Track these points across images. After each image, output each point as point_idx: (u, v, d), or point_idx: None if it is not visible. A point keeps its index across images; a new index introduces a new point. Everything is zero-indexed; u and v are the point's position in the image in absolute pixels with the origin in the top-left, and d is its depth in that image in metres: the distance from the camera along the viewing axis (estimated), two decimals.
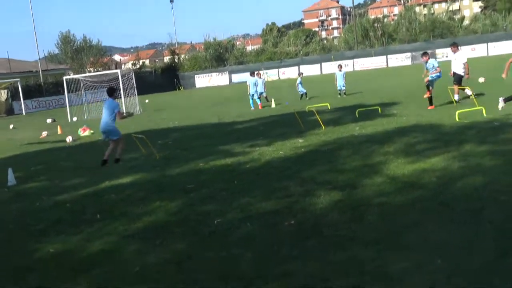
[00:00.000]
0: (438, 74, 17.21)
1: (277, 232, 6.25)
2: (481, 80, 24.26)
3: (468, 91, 17.26)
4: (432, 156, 9.37)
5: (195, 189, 8.98)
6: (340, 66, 28.15)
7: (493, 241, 5.20)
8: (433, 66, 17.17)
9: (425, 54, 17.98)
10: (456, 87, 17.59)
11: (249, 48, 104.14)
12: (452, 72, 18.18)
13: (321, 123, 14.85)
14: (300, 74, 30.43)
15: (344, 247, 5.49)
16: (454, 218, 5.99)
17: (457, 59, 18.00)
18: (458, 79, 17.73)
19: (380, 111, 16.96)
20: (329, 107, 20.27)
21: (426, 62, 17.51)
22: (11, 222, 8.26)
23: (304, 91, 27.79)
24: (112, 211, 8.13)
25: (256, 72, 28.04)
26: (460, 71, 17.79)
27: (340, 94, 26.40)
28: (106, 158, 12.96)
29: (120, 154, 13.22)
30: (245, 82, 30.39)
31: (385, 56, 69.06)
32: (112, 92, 13.63)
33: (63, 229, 7.47)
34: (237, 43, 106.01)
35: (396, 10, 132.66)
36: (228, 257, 5.61)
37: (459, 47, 18.22)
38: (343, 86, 26.46)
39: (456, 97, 17.49)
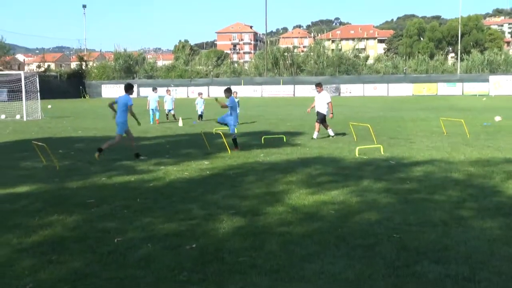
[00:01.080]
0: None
1: (178, 255, 6.24)
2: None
3: (331, 132, 18.44)
4: (332, 189, 9.74)
5: (95, 204, 8.77)
6: (200, 94, 30.06)
7: (383, 278, 5.48)
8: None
9: (318, 85, 18.70)
10: (317, 125, 18.29)
11: (160, 63, 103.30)
12: (309, 110, 19.65)
13: (227, 147, 15.00)
14: (199, 94, 30.79)
15: (243, 274, 5.58)
16: (349, 252, 6.25)
17: (321, 99, 18.35)
18: (321, 118, 18.25)
19: (285, 140, 17.41)
20: (235, 131, 20.46)
21: (319, 93, 18.39)
22: None
23: (201, 112, 28.40)
24: (5, 221, 7.76)
25: (166, 89, 28.12)
26: (323, 110, 18.23)
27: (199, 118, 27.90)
28: (135, 151, 14.21)
29: (105, 147, 14.25)
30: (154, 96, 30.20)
31: (293, 86, 70.98)
32: (128, 88, 14.39)
33: None
34: (148, 56, 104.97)
35: (306, 42, 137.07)
36: (126, 278, 5.52)
37: (323, 87, 18.85)
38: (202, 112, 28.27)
39: (315, 135, 18.23)
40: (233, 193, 9.54)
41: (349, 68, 79.60)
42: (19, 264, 5.99)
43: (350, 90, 69.22)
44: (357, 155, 13.96)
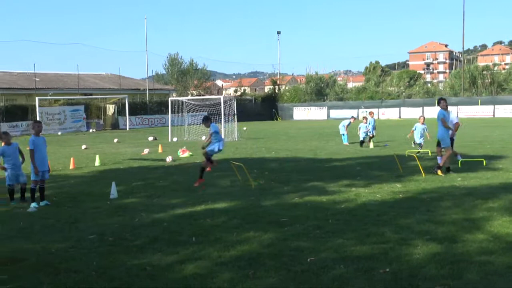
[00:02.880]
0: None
1: (371, 278, 6.13)
2: None
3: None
4: None
5: (288, 223, 9.01)
6: (371, 114, 25.79)
7: None
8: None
9: (443, 100, 15.24)
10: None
11: (350, 85, 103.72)
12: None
13: (421, 170, 14.47)
14: (370, 113, 26.12)
15: None
16: None
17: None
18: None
19: (484, 164, 16.29)
20: (429, 154, 19.72)
21: (448, 112, 15.35)
22: (111, 235, 8.63)
23: (363, 137, 24.47)
24: (207, 235, 8.31)
25: (368, 112, 27.79)
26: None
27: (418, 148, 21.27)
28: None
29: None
30: (344, 118, 30.46)
31: (492, 106, 66.55)
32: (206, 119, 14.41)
33: (160, 247, 7.72)
34: (339, 78, 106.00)
35: (508, 59, 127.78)
36: None
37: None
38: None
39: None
40: (428, 218, 9.15)
41: None
42: (219, 276, 6.35)
43: None
44: None
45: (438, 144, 15.12)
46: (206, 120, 14.36)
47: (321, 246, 7.48)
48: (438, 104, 15.31)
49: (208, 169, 14.55)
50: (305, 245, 7.60)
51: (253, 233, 8.34)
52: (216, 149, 14.22)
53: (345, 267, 6.52)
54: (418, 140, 21.12)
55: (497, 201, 10.46)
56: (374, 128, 25.30)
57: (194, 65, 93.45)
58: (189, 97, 58.11)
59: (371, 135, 24.89)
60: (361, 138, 24.51)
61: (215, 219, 9.56)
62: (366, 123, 24.65)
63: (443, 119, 14.79)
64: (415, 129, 21.14)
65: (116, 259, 7.23)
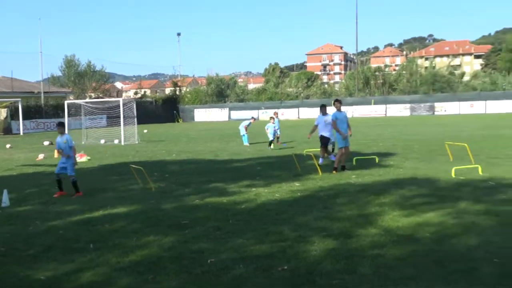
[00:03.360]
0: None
1: (270, 276, 6.25)
2: None
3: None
4: (427, 211, 9.43)
5: (189, 225, 8.99)
6: (275, 114, 26.30)
7: None
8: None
9: (337, 101, 15.92)
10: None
11: (251, 86, 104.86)
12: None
13: (318, 168, 14.92)
14: (274, 114, 26.59)
15: None
16: (446, 277, 6.01)
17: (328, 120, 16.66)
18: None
19: (377, 161, 17.08)
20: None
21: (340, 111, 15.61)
22: (2, 245, 8.22)
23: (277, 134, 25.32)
24: (105, 241, 8.12)
25: (274, 112, 28.02)
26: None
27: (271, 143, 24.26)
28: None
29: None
30: (244, 119, 30.79)
31: (384, 105, 69.79)
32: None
33: (55, 256, 7.45)
34: (239, 80, 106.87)
35: (398, 60, 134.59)
36: None
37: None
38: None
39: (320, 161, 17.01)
40: (324, 215, 9.46)
41: (443, 85, 77.11)
42: (117, 283, 6.23)
43: (445, 108, 66.96)
44: (453, 175, 13.44)
45: (323, 144, 16.35)
46: (60, 125, 13.34)
47: (221, 247, 7.53)
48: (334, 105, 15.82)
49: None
50: (206, 246, 7.62)
51: (153, 237, 8.25)
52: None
53: (245, 266, 6.61)
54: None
55: (388, 196, 11.01)
56: (278, 128, 25.85)
57: (92, 67, 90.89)
58: (87, 100, 56.38)
59: (277, 135, 25.41)
60: (271, 138, 24.66)
61: (114, 224, 9.36)
62: (273, 123, 25.02)
63: (334, 121, 15.30)
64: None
65: (7, 271, 6.90)
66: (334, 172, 14.83)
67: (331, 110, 16.08)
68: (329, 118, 16.60)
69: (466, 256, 6.73)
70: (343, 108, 16.06)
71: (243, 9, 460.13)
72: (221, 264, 6.76)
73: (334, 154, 17.36)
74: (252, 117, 29.79)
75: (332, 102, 16.09)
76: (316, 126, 17.39)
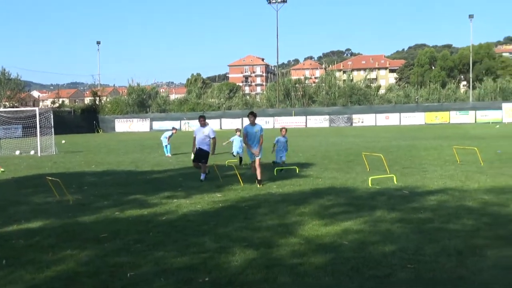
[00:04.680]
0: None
1: None
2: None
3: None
4: (345, 219, 9.68)
5: (108, 239, 8.79)
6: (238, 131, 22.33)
7: None
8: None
9: (252, 114, 15.19)
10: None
11: (173, 96, 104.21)
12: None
13: (239, 179, 15.00)
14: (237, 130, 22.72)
15: None
16: (363, 283, 6.19)
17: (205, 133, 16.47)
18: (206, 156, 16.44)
19: (297, 171, 17.39)
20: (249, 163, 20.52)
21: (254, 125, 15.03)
22: None
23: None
24: (19, 257, 7.78)
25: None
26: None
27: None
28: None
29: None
30: (166, 129, 30.60)
31: (305, 116, 71.16)
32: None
33: None
34: (161, 90, 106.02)
35: (317, 73, 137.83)
36: None
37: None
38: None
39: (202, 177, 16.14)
40: (246, 225, 9.52)
41: (360, 98, 79.80)
42: None
43: (362, 120, 69.30)
44: (370, 185, 13.90)
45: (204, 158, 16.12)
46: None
47: (142, 260, 7.41)
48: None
49: None
50: (125, 260, 7.46)
51: (70, 252, 7.99)
52: None
53: (165, 279, 6.53)
54: (279, 154, 18.93)
55: (308, 206, 11.22)
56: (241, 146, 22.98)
57: (6, 75, 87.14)
58: (1, 109, 54.07)
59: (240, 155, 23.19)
60: (235, 154, 21.83)
61: (29, 239, 8.99)
62: (239, 135, 21.46)
63: (245, 134, 14.98)
64: (277, 142, 18.94)
65: None
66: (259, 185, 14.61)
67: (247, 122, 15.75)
68: (206, 130, 16.27)
69: (382, 263, 6.96)
70: (265, 120, 16.24)
71: (165, 18, 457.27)
72: (141, 277, 6.64)
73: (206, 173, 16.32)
74: (173, 128, 29.61)
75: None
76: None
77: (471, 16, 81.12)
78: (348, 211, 10.49)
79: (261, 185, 14.50)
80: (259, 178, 14.77)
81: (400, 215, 10.01)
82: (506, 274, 6.37)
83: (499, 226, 8.87)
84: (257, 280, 6.41)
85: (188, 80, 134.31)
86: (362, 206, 10.97)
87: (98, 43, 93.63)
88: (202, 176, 16.16)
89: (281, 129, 19.09)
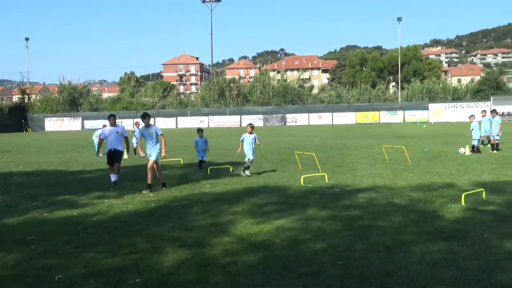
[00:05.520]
0: None
1: None
2: (462, 150, 22.31)
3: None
4: (277, 218, 9.79)
5: (36, 241, 8.53)
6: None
7: None
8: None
9: (144, 117, 14.48)
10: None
11: (105, 95, 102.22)
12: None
13: (172, 179, 14.89)
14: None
15: None
16: (294, 281, 6.28)
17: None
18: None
19: (231, 170, 17.43)
20: (182, 162, 20.41)
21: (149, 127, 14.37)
22: None
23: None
24: None
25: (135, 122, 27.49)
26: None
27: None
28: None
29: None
30: (98, 128, 30.00)
31: (239, 116, 71.35)
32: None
33: None
34: (93, 88, 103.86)
35: (252, 73, 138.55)
36: None
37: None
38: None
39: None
40: (178, 225, 9.47)
41: (294, 97, 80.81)
42: None
43: (296, 119, 70.19)
44: (302, 183, 14.11)
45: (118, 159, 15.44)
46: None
47: (71, 262, 7.23)
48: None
49: None
50: (53, 262, 7.27)
51: None
52: None
53: (95, 281, 6.41)
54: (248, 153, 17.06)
55: (241, 205, 11.28)
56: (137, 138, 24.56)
57: None
58: None
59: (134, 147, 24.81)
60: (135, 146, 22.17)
61: None
62: (138, 127, 21.29)
63: (142, 137, 14.48)
64: (243, 140, 17.43)
65: None
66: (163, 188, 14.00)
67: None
68: (118, 129, 15.73)
69: (313, 260, 7.09)
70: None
71: (98, 15, 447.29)
72: (70, 280, 6.49)
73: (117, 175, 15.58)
74: (104, 125, 28.98)
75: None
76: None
77: (399, 19, 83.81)
78: (281, 210, 10.61)
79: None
80: (149, 182, 13.93)
81: (331, 212, 10.22)
82: (430, 269, 6.62)
83: (425, 222, 9.20)
84: (190, 281, 6.39)
85: (121, 78, 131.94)
86: (295, 205, 11.13)
87: (27, 39, 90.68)
88: (115, 178, 15.34)
89: (247, 126, 17.86)
